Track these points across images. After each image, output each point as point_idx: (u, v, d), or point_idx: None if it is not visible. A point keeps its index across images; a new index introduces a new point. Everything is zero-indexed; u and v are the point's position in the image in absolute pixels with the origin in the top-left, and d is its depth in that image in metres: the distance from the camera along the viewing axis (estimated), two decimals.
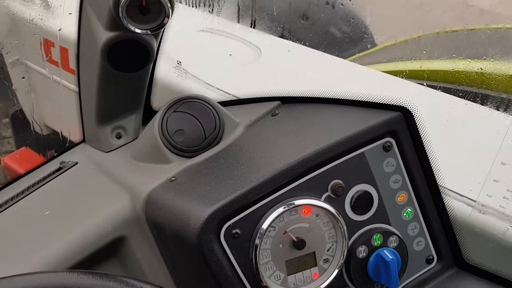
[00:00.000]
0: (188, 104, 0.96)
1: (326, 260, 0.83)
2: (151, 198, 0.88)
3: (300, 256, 0.81)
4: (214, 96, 1.28)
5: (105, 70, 0.95)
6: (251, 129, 0.99)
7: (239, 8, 1.63)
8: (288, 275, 0.80)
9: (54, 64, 1.90)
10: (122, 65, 0.93)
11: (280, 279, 0.80)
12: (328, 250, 0.83)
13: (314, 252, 0.81)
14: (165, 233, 0.81)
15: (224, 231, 0.74)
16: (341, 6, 1.60)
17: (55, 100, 2.10)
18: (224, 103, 1.11)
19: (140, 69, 0.95)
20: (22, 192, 1.10)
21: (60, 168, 1.17)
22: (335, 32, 1.69)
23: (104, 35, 0.88)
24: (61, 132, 2.25)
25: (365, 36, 1.62)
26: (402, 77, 1.26)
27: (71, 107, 1.84)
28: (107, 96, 1.03)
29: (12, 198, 1.09)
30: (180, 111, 0.94)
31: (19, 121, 2.41)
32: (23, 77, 2.14)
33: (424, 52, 1.32)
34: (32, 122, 2.34)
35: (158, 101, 1.21)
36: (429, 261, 0.94)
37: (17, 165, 2.21)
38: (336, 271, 0.84)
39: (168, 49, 1.09)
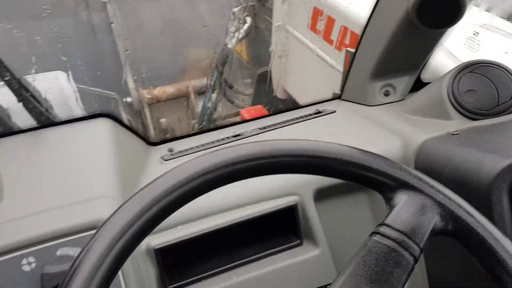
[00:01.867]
0: (487, 68, 0.95)
1: None
2: (425, 146, 0.90)
3: None
4: None
5: (406, 25, 1.00)
6: None
7: None
8: None
9: (316, 32, 2.06)
10: (430, 20, 0.96)
11: None
12: None
13: None
14: (440, 180, 0.82)
15: None
16: None
17: (303, 67, 2.28)
18: None
19: (447, 25, 0.96)
20: (280, 123, 1.21)
21: (318, 112, 1.27)
22: None
23: None
24: (294, 99, 2.44)
25: None
26: None
27: (316, 75, 1.99)
28: (393, 52, 1.07)
29: (270, 126, 1.20)
30: (477, 73, 0.94)
31: (262, 82, 2.69)
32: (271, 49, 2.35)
33: None
34: (272, 83, 2.58)
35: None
36: None
37: (251, 117, 2.47)
38: None
39: None
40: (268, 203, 0.91)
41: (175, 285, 0.86)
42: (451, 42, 1.27)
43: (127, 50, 2.91)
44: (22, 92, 1.10)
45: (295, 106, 1.68)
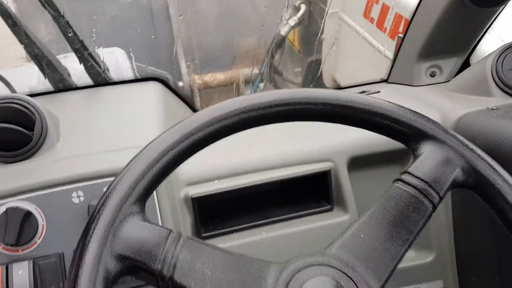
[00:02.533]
0: None
1: None
2: (464, 120, 0.91)
3: None
4: None
5: (457, 4, 1.00)
6: None
7: None
8: None
9: (369, 20, 2.05)
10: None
11: None
12: None
13: None
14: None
15: None
16: None
17: (354, 56, 2.28)
18: None
19: (497, 4, 0.96)
20: None
21: (363, 92, 1.28)
22: None
23: None
24: (339, 82, 2.44)
25: None
26: None
27: (367, 64, 1.98)
28: (442, 32, 1.08)
29: None
30: None
31: (312, 71, 2.71)
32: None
33: None
34: (321, 72, 2.59)
35: None
36: None
37: None
38: None
39: None
40: (303, 167, 0.94)
41: (208, 234, 0.91)
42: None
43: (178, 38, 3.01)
44: (83, 52, 1.19)
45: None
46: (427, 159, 0.58)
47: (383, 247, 0.56)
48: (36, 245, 0.78)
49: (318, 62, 2.56)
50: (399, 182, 0.59)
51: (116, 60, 2.05)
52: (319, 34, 2.42)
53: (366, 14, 2.05)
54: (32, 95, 1.09)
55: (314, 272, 0.54)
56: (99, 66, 1.23)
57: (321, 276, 0.53)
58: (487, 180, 0.57)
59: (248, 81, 3.31)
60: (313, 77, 2.65)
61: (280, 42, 2.69)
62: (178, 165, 0.56)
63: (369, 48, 1.98)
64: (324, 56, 2.51)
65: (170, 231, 0.53)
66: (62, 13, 1.15)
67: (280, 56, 2.80)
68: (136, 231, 0.51)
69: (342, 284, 0.53)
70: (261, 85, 2.97)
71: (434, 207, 0.58)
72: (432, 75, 1.15)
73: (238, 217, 0.95)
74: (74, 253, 0.49)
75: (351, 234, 0.57)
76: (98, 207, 0.51)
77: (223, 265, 0.53)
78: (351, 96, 0.60)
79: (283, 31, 2.64)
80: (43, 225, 0.79)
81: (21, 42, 1.13)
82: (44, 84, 1.26)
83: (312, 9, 2.61)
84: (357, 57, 2.17)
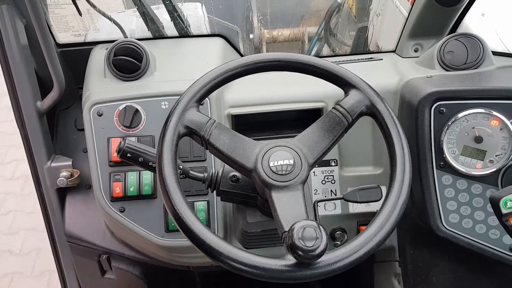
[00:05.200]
0: (466, 38, 1.37)
1: (491, 161, 1.20)
2: (410, 82, 1.37)
3: (475, 148, 1.19)
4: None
5: (430, 2, 1.42)
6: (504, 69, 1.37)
7: None
8: (460, 154, 1.21)
9: None
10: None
11: (454, 154, 1.21)
12: (496, 156, 1.19)
13: (485, 151, 1.18)
14: (404, 100, 1.30)
15: (435, 106, 1.20)
16: None
17: (394, 27, 2.67)
18: None
19: (452, 5, 1.38)
20: (343, 61, 1.72)
21: (370, 58, 1.75)
22: None
23: None
24: (381, 47, 2.85)
25: None
26: None
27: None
28: (422, 19, 1.50)
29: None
30: (458, 40, 1.38)
31: (361, 35, 3.12)
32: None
33: None
34: (367, 38, 3.00)
35: None
36: None
37: None
38: (493, 169, 1.20)
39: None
40: (304, 104, 1.45)
41: None
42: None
43: None
44: (173, 12, 1.74)
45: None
46: (349, 98, 1.08)
47: (319, 141, 1.07)
48: (139, 129, 1.36)
49: (366, 29, 2.96)
50: (333, 109, 1.09)
51: (195, 15, 2.60)
52: (369, 4, 2.81)
53: None
54: (140, 39, 1.66)
55: (280, 148, 1.06)
56: (183, 22, 1.78)
57: (282, 151, 1.06)
58: (378, 113, 1.06)
59: (310, 39, 3.76)
60: (359, 41, 3.07)
61: (337, 8, 3.11)
62: (217, 88, 1.10)
63: (403, 20, 2.36)
64: (370, 24, 2.90)
65: (210, 118, 1.07)
66: None
67: (337, 19, 3.21)
68: (194, 115, 1.06)
69: (293, 156, 1.05)
70: (318, 42, 3.43)
71: (349, 124, 1.08)
72: (416, 50, 1.58)
73: (260, 131, 1.48)
74: (164, 123, 1.05)
75: (304, 133, 1.09)
76: (176, 103, 1.06)
77: (235, 138, 1.07)
78: (314, 59, 1.10)
79: None
80: (144, 118, 1.36)
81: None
82: (142, 30, 1.83)
83: None
84: (394, 27, 2.56)
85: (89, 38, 1.88)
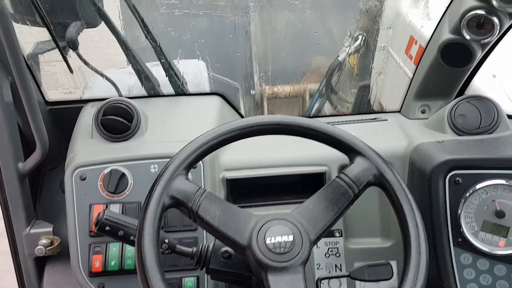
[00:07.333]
0: (478, 100, 1.28)
1: None
2: (419, 147, 1.27)
3: (496, 223, 1.07)
4: None
5: (436, 61, 1.35)
6: None
7: None
8: (480, 230, 1.08)
9: (409, 57, 2.39)
10: (449, 60, 1.31)
11: (473, 229, 1.08)
12: None
13: (508, 227, 1.05)
14: (414, 166, 1.20)
15: (450, 176, 1.08)
16: None
17: (396, 86, 2.61)
18: None
19: (460, 67, 1.31)
20: (346, 121, 1.63)
21: (374, 119, 1.66)
22: None
23: (445, 35, 1.28)
24: (383, 105, 2.79)
25: None
26: None
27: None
28: (429, 81, 1.43)
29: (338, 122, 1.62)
30: (470, 102, 1.28)
31: (362, 93, 3.07)
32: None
33: None
34: (374, 101, 2.95)
35: None
36: None
37: None
38: None
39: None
40: (305, 168, 1.34)
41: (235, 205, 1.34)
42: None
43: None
44: (169, 69, 1.67)
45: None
46: (355, 166, 0.97)
47: (321, 215, 0.95)
48: (125, 195, 1.25)
49: (368, 87, 2.91)
50: (337, 178, 0.98)
51: (194, 72, 2.56)
52: (370, 63, 2.77)
53: (407, 51, 2.39)
54: (132, 98, 1.58)
55: (278, 222, 0.94)
56: (179, 79, 1.71)
57: (281, 225, 0.94)
58: (388, 183, 0.95)
59: (312, 95, 3.73)
60: (362, 99, 3.01)
61: (338, 66, 3.07)
62: (209, 153, 1.00)
63: (407, 80, 2.31)
64: (372, 83, 2.86)
65: (200, 187, 0.96)
66: (151, 30, 1.62)
67: (338, 77, 3.17)
68: (181, 184, 0.95)
69: (292, 231, 0.93)
70: (320, 99, 3.38)
71: (355, 196, 0.96)
72: (423, 111, 1.50)
73: (257, 196, 1.37)
74: (148, 193, 0.94)
75: (305, 204, 0.97)
76: (162, 170, 0.95)
77: (227, 210, 0.95)
78: (315, 122, 1.00)
79: (341, 57, 3.01)
80: (131, 183, 1.26)
81: (127, 56, 1.63)
82: (140, 86, 1.76)
83: (369, 40, 2.96)
84: (397, 86, 2.50)
85: (86, 95, 1.81)
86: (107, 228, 1.02)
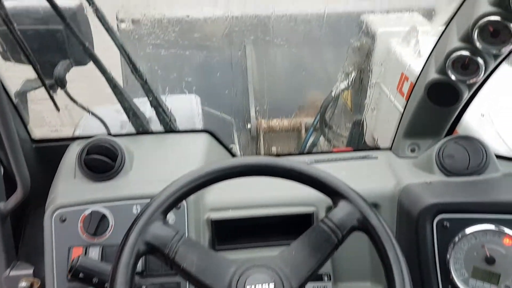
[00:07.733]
0: (466, 141, 1.26)
1: (507, 286, 1.02)
2: (407, 187, 1.24)
3: (486, 270, 1.03)
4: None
5: (423, 100, 1.34)
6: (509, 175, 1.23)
7: None
8: (471, 277, 1.04)
9: (401, 94, 2.40)
10: (435, 99, 1.29)
11: (463, 276, 1.04)
12: None
13: (499, 274, 1.01)
14: (402, 208, 1.17)
15: (437, 220, 1.05)
16: None
17: (389, 121, 2.61)
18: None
19: (448, 106, 1.29)
20: (335, 159, 1.61)
21: (365, 156, 1.63)
22: None
23: (432, 75, 1.27)
24: (377, 140, 2.77)
25: None
26: None
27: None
28: (418, 118, 1.41)
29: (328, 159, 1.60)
30: (458, 143, 1.26)
31: (357, 128, 3.06)
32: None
33: None
34: (363, 131, 2.94)
35: None
36: None
37: None
38: None
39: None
40: (293, 208, 1.31)
41: (221, 247, 1.30)
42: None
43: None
44: (158, 107, 1.66)
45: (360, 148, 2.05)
46: (339, 210, 0.94)
47: (304, 261, 0.92)
48: (106, 237, 1.22)
49: (361, 122, 2.91)
50: (321, 222, 0.95)
51: (187, 107, 2.54)
52: (364, 98, 2.78)
53: (399, 87, 2.39)
54: (120, 135, 1.56)
55: (258, 269, 0.91)
56: (167, 116, 1.69)
57: (261, 272, 0.91)
58: (372, 228, 0.92)
59: (308, 129, 3.72)
60: (355, 133, 3.01)
61: (331, 101, 3.08)
62: (189, 196, 0.97)
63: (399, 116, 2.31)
64: (365, 118, 2.86)
65: (177, 232, 0.93)
66: (137, 68, 1.61)
67: (332, 112, 3.18)
68: (158, 230, 0.92)
69: (273, 278, 0.90)
70: (315, 133, 3.38)
71: (339, 241, 0.93)
72: (412, 150, 1.47)
73: (243, 237, 1.33)
74: (122, 238, 0.91)
75: (288, 250, 0.94)
76: (138, 214, 0.92)
77: (205, 257, 0.92)
78: (297, 164, 0.98)
79: (334, 92, 3.03)
80: (112, 225, 1.22)
81: (115, 94, 1.62)
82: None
83: (362, 77, 2.98)
84: (390, 122, 2.49)
85: (77, 132, 1.79)
86: (81, 275, 0.99)
